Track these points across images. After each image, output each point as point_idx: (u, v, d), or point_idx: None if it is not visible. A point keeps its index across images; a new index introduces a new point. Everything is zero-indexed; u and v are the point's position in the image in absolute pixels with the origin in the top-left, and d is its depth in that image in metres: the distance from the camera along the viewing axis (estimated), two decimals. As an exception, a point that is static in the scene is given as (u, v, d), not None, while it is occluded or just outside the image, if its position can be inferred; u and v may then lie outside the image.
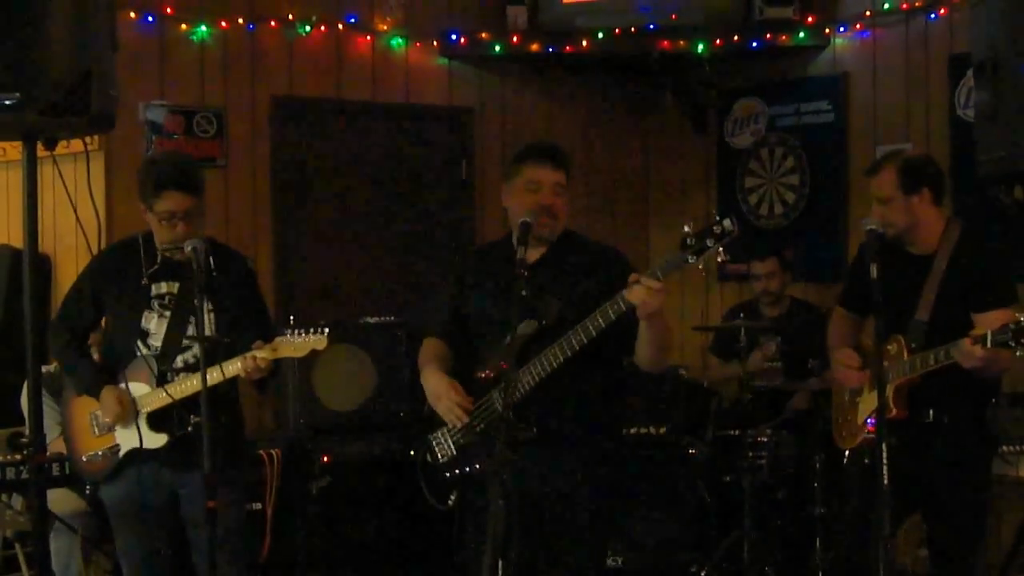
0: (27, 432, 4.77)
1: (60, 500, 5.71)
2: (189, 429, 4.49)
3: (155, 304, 4.61)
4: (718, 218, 3.87)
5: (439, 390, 4.33)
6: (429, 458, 4.45)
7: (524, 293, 4.13)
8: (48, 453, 5.63)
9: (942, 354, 4.30)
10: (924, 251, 4.58)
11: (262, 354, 4.40)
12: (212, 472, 4.14)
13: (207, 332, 4.46)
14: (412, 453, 4.55)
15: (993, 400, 4.68)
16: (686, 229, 3.91)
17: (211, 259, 4.55)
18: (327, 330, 4.40)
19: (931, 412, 4.50)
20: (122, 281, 4.64)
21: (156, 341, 4.60)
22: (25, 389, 5.79)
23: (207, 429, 4.13)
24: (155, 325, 4.60)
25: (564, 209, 4.33)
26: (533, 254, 4.31)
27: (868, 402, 4.65)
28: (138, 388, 4.59)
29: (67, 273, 6.83)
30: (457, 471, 4.35)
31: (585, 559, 4.32)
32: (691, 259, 3.88)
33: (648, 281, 3.90)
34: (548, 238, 4.32)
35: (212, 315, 4.56)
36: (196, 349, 4.54)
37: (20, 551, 5.97)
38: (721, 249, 3.86)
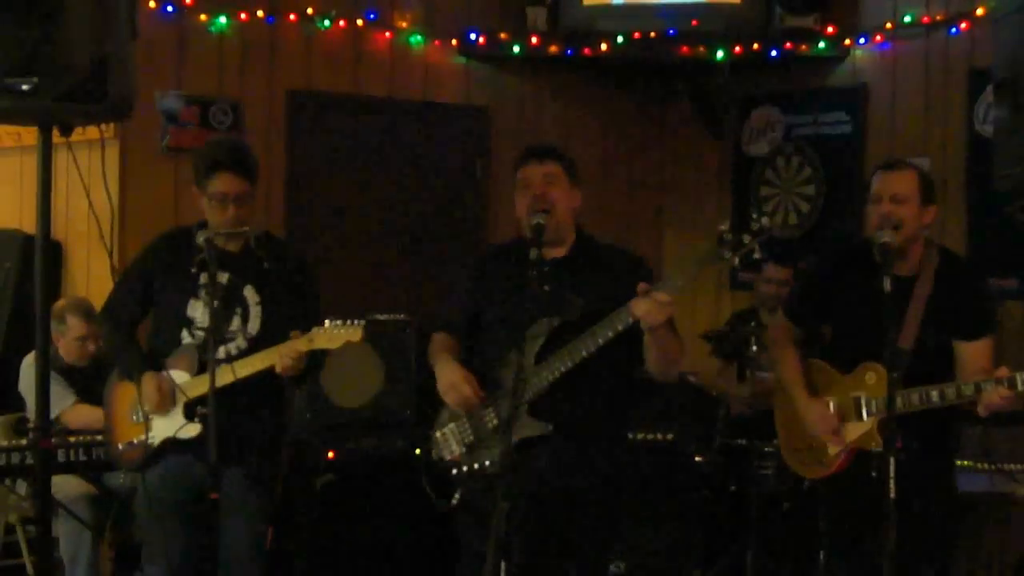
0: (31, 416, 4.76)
1: (71, 484, 5.71)
2: (196, 419, 4.41)
3: (202, 293, 4.53)
4: (753, 216, 3.90)
5: (453, 379, 4.27)
6: (434, 454, 4.42)
7: (546, 288, 4.16)
8: (61, 422, 5.67)
9: (952, 392, 4.16)
10: (904, 272, 4.37)
11: (297, 345, 4.35)
12: (217, 463, 4.12)
13: (250, 327, 4.51)
14: (418, 452, 4.52)
15: (960, 423, 4.60)
16: (722, 227, 3.93)
17: (262, 252, 4.56)
18: (363, 322, 4.36)
19: (901, 439, 4.23)
20: (171, 269, 4.61)
21: (201, 330, 4.54)
22: (22, 374, 5.82)
23: (214, 422, 4.11)
24: (200, 314, 4.53)
25: (561, 198, 4.26)
26: (551, 252, 4.30)
27: (845, 432, 4.44)
28: (179, 376, 4.53)
29: (78, 260, 6.85)
30: (465, 468, 4.32)
31: (592, 557, 4.32)
32: (727, 255, 3.91)
33: (657, 294, 3.91)
34: (552, 232, 4.23)
35: (259, 308, 4.55)
36: (240, 340, 4.51)
37: (22, 536, 5.97)
38: (757, 246, 3.88)
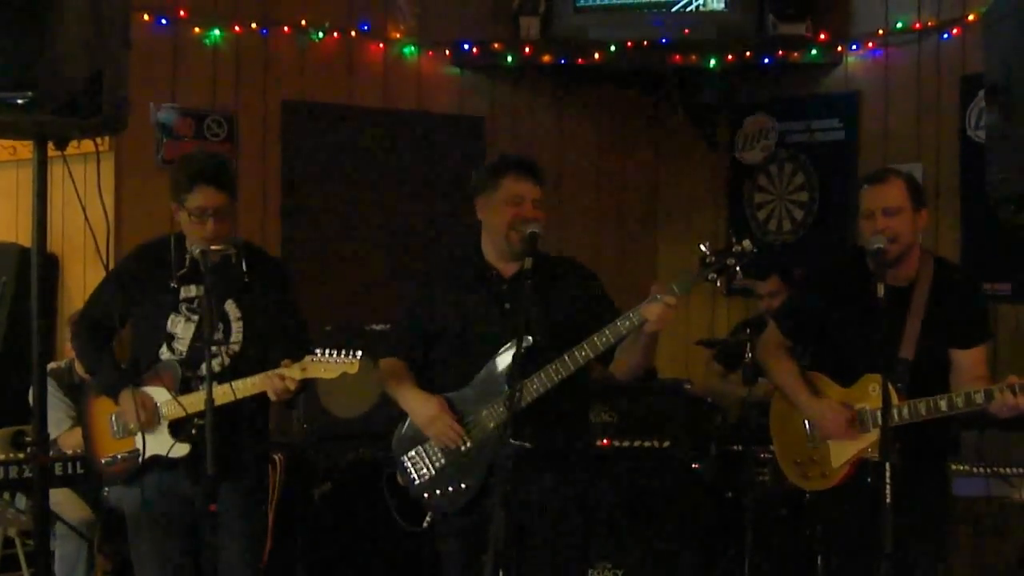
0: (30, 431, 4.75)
1: (69, 507, 5.71)
2: (192, 431, 4.34)
3: (183, 307, 4.46)
4: (734, 239, 3.95)
5: (430, 412, 4.26)
6: (400, 479, 4.39)
7: (506, 307, 4.17)
8: (57, 445, 5.65)
9: (960, 401, 4.10)
10: (900, 282, 4.31)
11: (290, 373, 4.28)
12: (215, 477, 4.09)
13: (233, 340, 4.44)
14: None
15: (959, 430, 4.59)
16: (704, 248, 3.97)
17: (243, 264, 4.49)
18: (359, 354, 4.28)
19: (899, 448, 4.13)
20: (150, 282, 4.51)
21: (182, 346, 4.46)
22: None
23: (211, 436, 4.07)
24: (181, 329, 4.46)
25: (542, 223, 4.28)
26: (509, 268, 4.30)
27: (847, 446, 4.36)
28: (160, 394, 4.44)
29: (74, 273, 6.86)
30: (438, 492, 4.30)
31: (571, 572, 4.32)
32: (711, 276, 3.96)
33: (667, 298, 3.93)
34: (525, 251, 4.23)
35: (241, 323, 4.48)
36: (223, 358, 4.42)
37: (20, 549, 5.97)
38: (739, 269, 3.93)
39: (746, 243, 3.95)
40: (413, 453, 4.36)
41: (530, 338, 4.07)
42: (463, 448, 4.23)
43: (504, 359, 4.18)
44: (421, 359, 4.43)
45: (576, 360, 4.07)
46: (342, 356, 4.29)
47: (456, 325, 4.32)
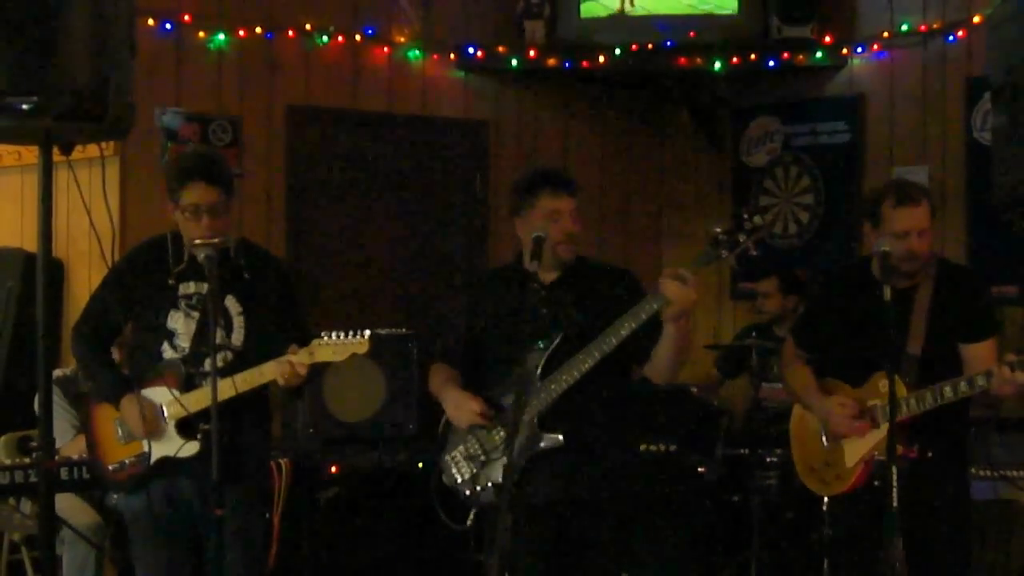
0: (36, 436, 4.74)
1: (77, 512, 5.70)
2: (198, 436, 4.34)
3: (182, 304, 4.45)
4: (746, 216, 3.96)
5: (459, 399, 4.31)
6: (445, 479, 4.41)
7: (544, 311, 4.18)
8: (59, 456, 5.64)
9: (964, 385, 4.15)
10: (905, 285, 4.38)
11: (298, 358, 4.28)
12: (219, 481, 4.06)
13: (234, 338, 4.42)
14: (421, 465, 4.50)
15: (972, 430, 4.61)
16: (716, 228, 3.99)
17: (242, 260, 4.48)
18: (368, 333, 4.28)
19: (917, 448, 4.31)
20: (149, 280, 4.49)
21: (183, 342, 4.45)
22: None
23: (217, 442, 4.05)
24: (182, 325, 4.44)
25: (581, 233, 4.35)
26: (550, 276, 4.34)
27: (860, 444, 4.42)
28: (164, 394, 4.41)
29: (80, 278, 6.86)
30: (479, 487, 4.32)
31: (604, 566, 4.33)
32: (724, 254, 3.97)
33: (683, 272, 3.94)
34: (568, 261, 4.33)
35: (242, 318, 4.46)
36: (226, 353, 4.39)
37: (26, 556, 5.97)
38: (752, 244, 3.94)
39: (757, 218, 3.96)
40: (455, 452, 4.38)
41: (558, 335, 4.16)
42: (497, 437, 4.26)
43: (534, 358, 4.21)
44: (471, 364, 4.47)
45: (601, 348, 4.09)
46: (350, 337, 4.30)
47: (498, 329, 4.37)
